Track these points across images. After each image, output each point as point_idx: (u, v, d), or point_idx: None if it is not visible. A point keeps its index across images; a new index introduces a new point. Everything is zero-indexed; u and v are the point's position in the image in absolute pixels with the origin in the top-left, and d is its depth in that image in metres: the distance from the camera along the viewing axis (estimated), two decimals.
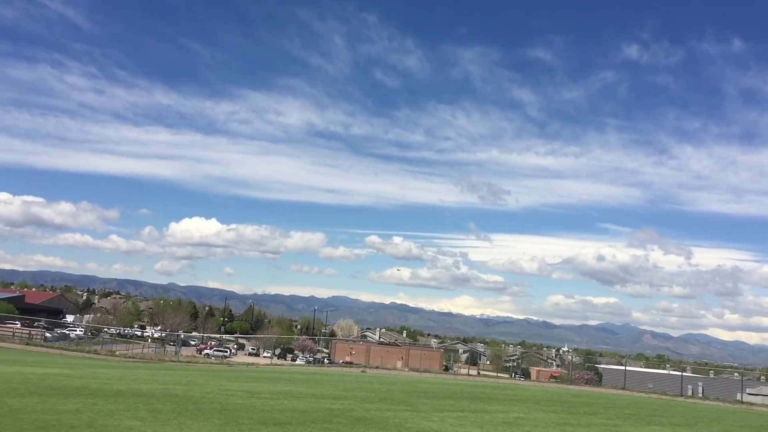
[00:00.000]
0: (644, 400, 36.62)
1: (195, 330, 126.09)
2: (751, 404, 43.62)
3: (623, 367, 56.03)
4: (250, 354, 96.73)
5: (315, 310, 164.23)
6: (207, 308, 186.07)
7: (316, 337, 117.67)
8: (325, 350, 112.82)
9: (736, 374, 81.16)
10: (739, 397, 48.17)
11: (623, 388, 47.70)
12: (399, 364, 77.81)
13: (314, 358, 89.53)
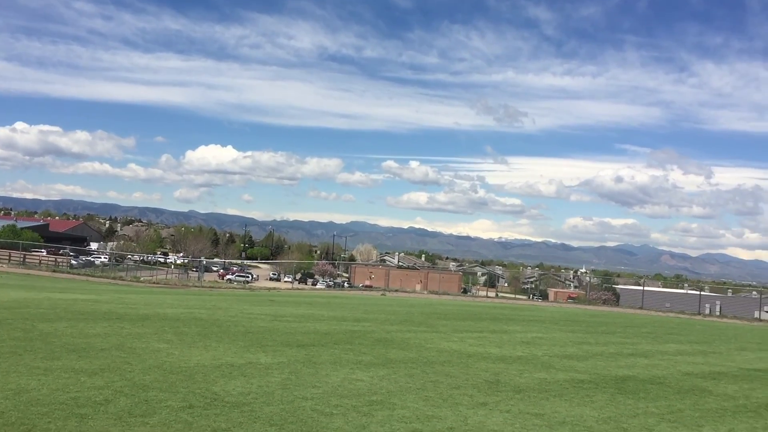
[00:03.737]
0: (662, 319, 36.99)
1: (216, 256, 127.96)
2: None
3: (641, 288, 56.38)
4: (270, 279, 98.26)
5: (334, 235, 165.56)
6: (227, 235, 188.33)
7: (336, 262, 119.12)
8: (345, 275, 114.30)
9: (754, 293, 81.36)
10: (756, 315, 48.46)
11: (641, 308, 48.09)
12: (418, 287, 78.80)
13: (334, 283, 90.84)
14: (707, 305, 53.21)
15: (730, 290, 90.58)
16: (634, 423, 8.92)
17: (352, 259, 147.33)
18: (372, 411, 8.27)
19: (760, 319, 44.83)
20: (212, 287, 46.75)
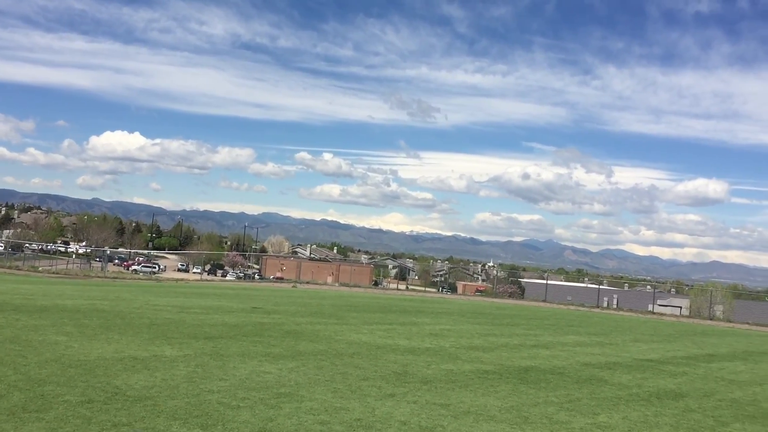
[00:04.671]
0: (563, 312, 38.47)
1: (122, 246, 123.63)
2: (662, 314, 46.43)
3: (545, 281, 58.41)
4: (179, 270, 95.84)
5: (245, 226, 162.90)
6: (134, 224, 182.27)
7: (247, 253, 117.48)
8: (256, 266, 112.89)
9: (648, 287, 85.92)
10: (650, 308, 51.10)
11: (544, 301, 49.81)
12: (329, 279, 78.77)
13: (245, 274, 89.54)
14: (605, 298, 55.74)
15: (626, 284, 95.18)
16: (534, 412, 9.25)
17: (263, 250, 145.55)
18: (280, 403, 8.23)
19: (653, 312, 47.30)
20: (116, 278, 45.16)
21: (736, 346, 23.87)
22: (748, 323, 43.08)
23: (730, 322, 44.08)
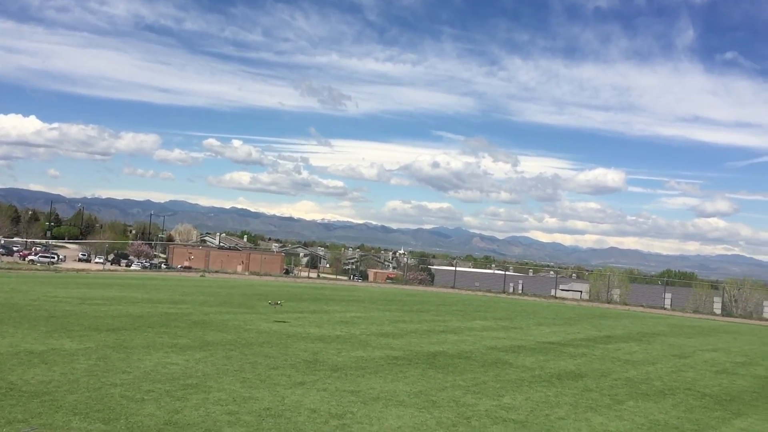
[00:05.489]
0: (471, 297, 39.40)
1: (17, 235, 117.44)
2: (564, 299, 48.32)
3: (453, 268, 59.66)
4: (80, 260, 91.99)
5: (151, 214, 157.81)
6: (30, 212, 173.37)
7: (153, 242, 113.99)
8: (163, 255, 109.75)
9: (551, 272, 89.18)
10: (553, 292, 53.08)
11: (453, 287, 50.85)
12: (239, 268, 77.59)
13: (151, 264, 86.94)
14: (511, 284, 57.48)
15: (531, 270, 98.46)
16: (442, 395, 9.45)
17: (170, 239, 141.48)
18: (186, 395, 8.07)
19: (555, 297, 49.14)
20: (11, 268, 42.90)
21: (631, 328, 25.14)
22: (642, 306, 45.45)
23: (626, 305, 46.38)
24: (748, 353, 19.43)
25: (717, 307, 47.86)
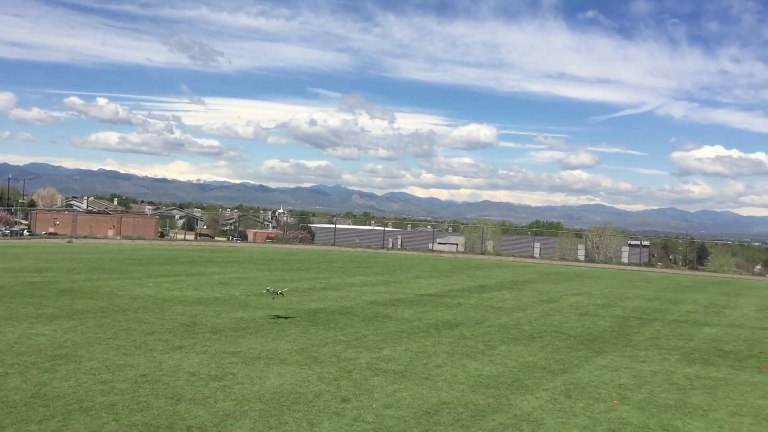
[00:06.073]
0: (351, 254, 39.81)
1: None
2: (440, 252, 49.80)
3: (333, 226, 59.90)
4: None
5: (9, 178, 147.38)
6: None
7: (13, 208, 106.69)
8: (24, 222, 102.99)
9: (429, 227, 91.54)
10: (431, 246, 54.55)
11: (333, 245, 51.13)
12: (110, 232, 74.14)
13: (11, 231, 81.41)
14: (390, 240, 58.51)
15: (409, 225, 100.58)
16: (323, 351, 9.55)
17: (32, 204, 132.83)
18: (55, 366, 7.69)
19: (433, 250, 50.54)
20: None
21: (503, 277, 26.35)
22: (513, 256, 47.67)
23: (499, 255, 48.49)
24: (608, 296, 20.89)
25: (581, 254, 51.00)
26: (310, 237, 64.80)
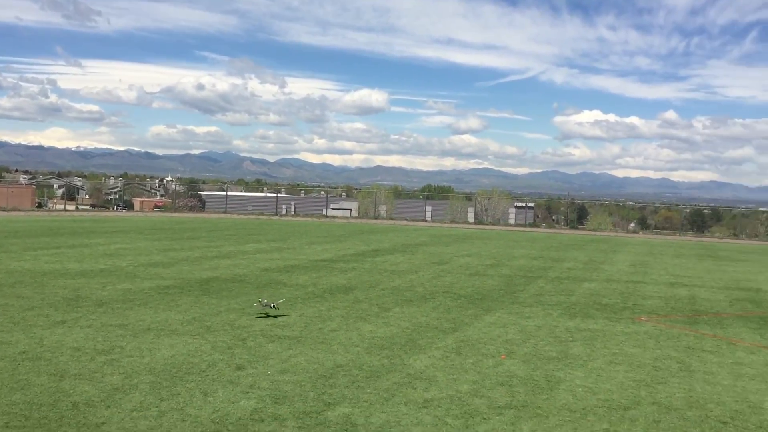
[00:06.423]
0: (244, 221, 39.15)
1: None
2: (334, 217, 49.87)
3: (225, 193, 58.57)
4: None
5: None
6: None
7: None
8: None
9: (322, 192, 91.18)
10: (324, 212, 54.47)
11: (225, 212, 50.10)
12: None
13: None
14: (284, 206, 57.92)
15: (302, 191, 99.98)
16: (216, 320, 9.40)
17: None
18: None
19: (327, 216, 50.50)
20: None
21: (396, 241, 26.75)
22: (406, 220, 48.42)
23: (392, 219, 49.11)
24: (495, 256, 21.66)
25: (470, 217, 52.49)
26: (201, 205, 63.15)
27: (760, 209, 65.48)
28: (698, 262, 22.99)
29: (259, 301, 8.05)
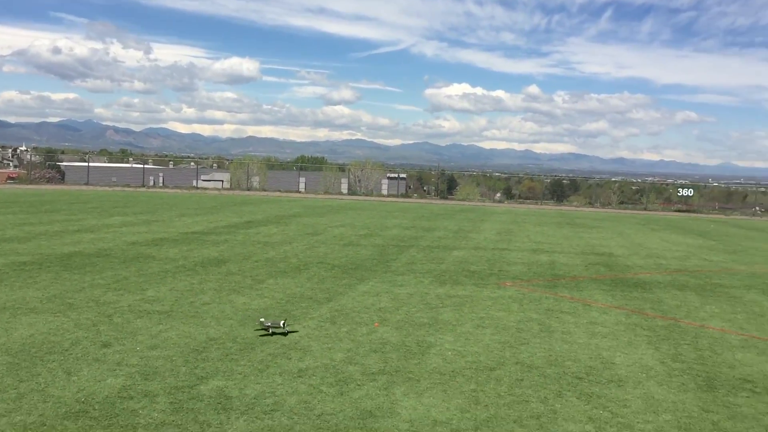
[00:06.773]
0: (108, 194, 37.34)
1: None
2: (205, 189, 48.58)
3: (86, 164, 55.47)
4: None
5: None
6: None
7: None
8: None
9: (192, 164, 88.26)
10: (195, 183, 52.89)
11: (87, 184, 47.54)
12: None
13: None
14: (151, 177, 55.62)
15: (171, 162, 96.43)
16: (80, 297, 8.98)
17: None
18: None
19: (197, 188, 49.09)
20: None
21: (270, 212, 26.48)
22: (280, 191, 48.00)
23: (265, 191, 48.51)
24: (369, 226, 21.96)
25: (344, 188, 52.76)
26: (60, 177, 59.43)
27: (613, 179, 70.35)
28: (558, 230, 24.40)
29: (261, 321, 7.17)
